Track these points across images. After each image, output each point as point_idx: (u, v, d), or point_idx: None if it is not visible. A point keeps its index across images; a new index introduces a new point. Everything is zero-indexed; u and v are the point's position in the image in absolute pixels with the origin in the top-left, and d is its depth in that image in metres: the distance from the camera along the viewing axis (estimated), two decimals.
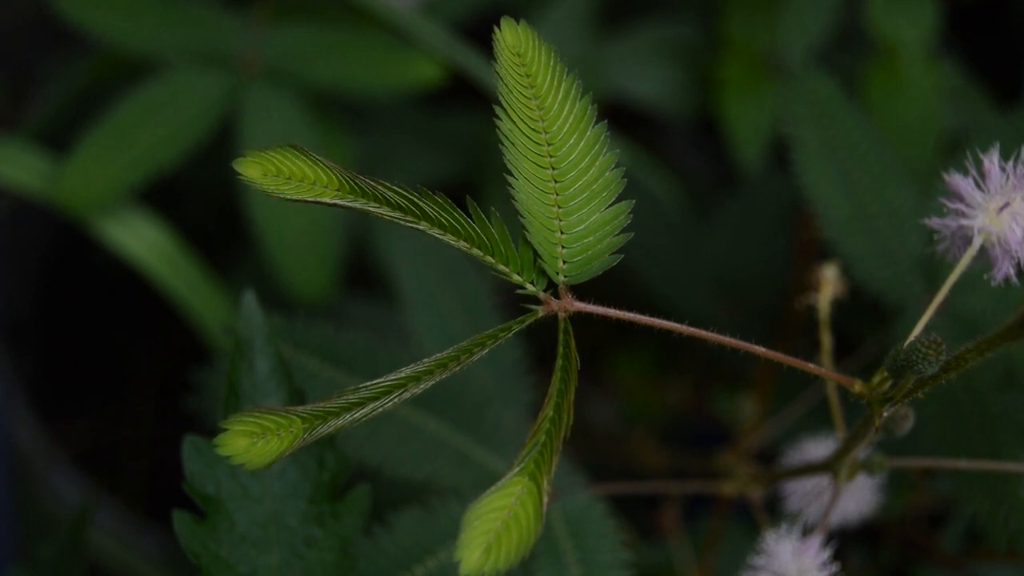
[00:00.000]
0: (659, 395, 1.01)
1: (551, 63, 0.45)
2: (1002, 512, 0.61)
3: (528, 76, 0.45)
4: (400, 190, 0.42)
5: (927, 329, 0.48)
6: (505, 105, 0.44)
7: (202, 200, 1.06)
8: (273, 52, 0.89)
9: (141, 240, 0.88)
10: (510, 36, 0.45)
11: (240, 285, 0.57)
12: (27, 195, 0.88)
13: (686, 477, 0.76)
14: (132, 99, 0.87)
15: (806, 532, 0.54)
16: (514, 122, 0.44)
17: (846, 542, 0.60)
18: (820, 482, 0.63)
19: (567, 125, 0.45)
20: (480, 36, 0.74)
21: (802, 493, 0.65)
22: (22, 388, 0.98)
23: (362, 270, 1.00)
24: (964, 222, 0.48)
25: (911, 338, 0.46)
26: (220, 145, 0.88)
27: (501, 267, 0.43)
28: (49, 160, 0.88)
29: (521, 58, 0.45)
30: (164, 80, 0.88)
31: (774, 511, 0.65)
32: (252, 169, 0.40)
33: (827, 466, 0.55)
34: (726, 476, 0.61)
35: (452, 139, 1.01)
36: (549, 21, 0.96)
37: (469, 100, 0.97)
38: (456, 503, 0.58)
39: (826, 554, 0.53)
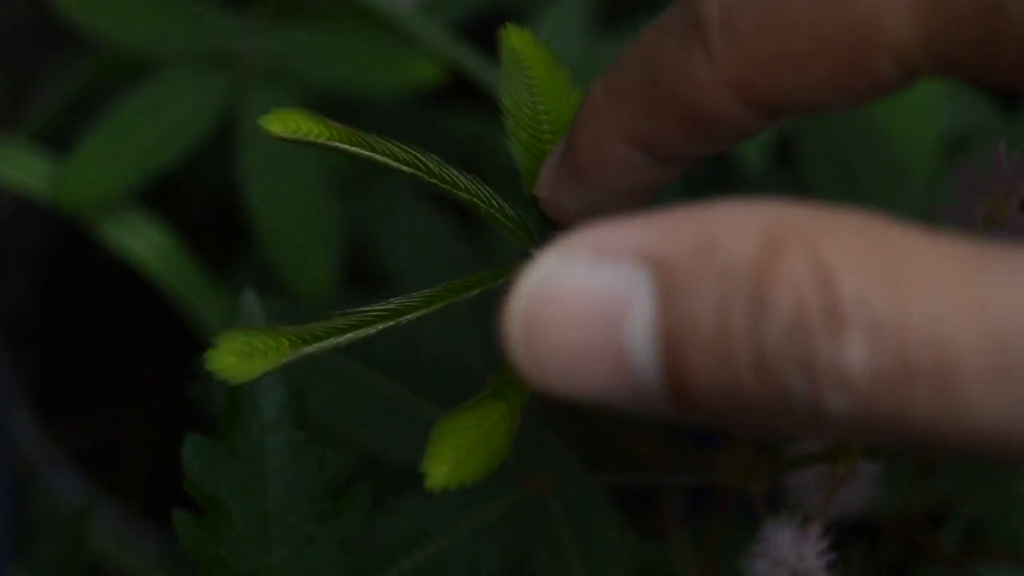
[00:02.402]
0: None
1: (553, 64, 0.46)
2: (1002, 510, 0.61)
3: (531, 79, 0.46)
4: (406, 148, 0.45)
5: None
6: (509, 107, 0.46)
7: (203, 201, 1.06)
8: (273, 52, 0.89)
9: (141, 240, 0.88)
10: (514, 40, 0.46)
11: (241, 286, 0.57)
12: (27, 195, 0.88)
13: (687, 471, 0.76)
14: (132, 99, 0.86)
15: (806, 522, 0.54)
16: (518, 122, 0.46)
17: (846, 539, 0.60)
18: (821, 472, 0.63)
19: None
20: (480, 36, 0.74)
21: (803, 484, 0.65)
22: (22, 388, 0.98)
23: (362, 269, 1.00)
24: (968, 210, 0.48)
25: None
26: (221, 145, 0.88)
27: (499, 219, 0.44)
28: (49, 160, 0.88)
29: (524, 61, 0.46)
30: (164, 80, 0.87)
31: (776, 505, 0.65)
32: (275, 125, 0.43)
33: (828, 455, 0.55)
34: (727, 469, 0.61)
35: (452, 139, 1.00)
36: (549, 21, 0.96)
37: (469, 100, 0.97)
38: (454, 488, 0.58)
39: (825, 543, 0.53)
